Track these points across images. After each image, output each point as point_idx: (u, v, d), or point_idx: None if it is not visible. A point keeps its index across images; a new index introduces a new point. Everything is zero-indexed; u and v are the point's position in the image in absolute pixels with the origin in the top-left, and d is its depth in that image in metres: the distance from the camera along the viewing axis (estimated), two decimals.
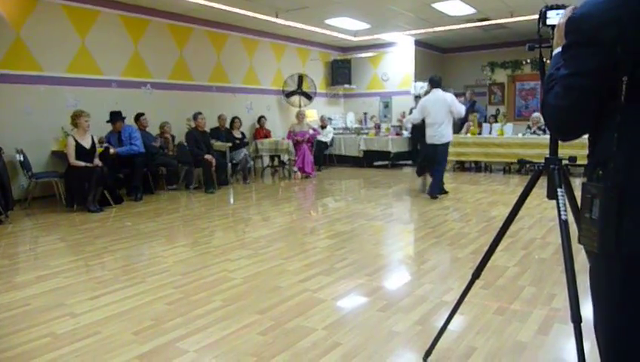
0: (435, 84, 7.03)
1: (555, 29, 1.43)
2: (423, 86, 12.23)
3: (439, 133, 6.83)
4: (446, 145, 6.97)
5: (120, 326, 2.82)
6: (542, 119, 10.02)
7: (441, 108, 6.82)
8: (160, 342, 2.60)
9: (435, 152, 6.97)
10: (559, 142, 1.94)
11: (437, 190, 7.00)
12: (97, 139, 6.96)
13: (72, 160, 6.46)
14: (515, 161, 9.20)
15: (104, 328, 2.79)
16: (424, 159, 7.60)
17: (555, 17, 1.75)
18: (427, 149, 7.24)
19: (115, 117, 7.52)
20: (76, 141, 6.51)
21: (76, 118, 6.57)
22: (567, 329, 2.60)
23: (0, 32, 6.96)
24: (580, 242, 1.29)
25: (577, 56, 1.22)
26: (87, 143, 6.61)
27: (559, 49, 1.36)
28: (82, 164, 6.45)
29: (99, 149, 6.88)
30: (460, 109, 6.99)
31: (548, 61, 1.86)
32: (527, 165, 9.56)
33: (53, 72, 7.59)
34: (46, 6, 7.45)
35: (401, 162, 11.75)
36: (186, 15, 9.43)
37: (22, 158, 6.76)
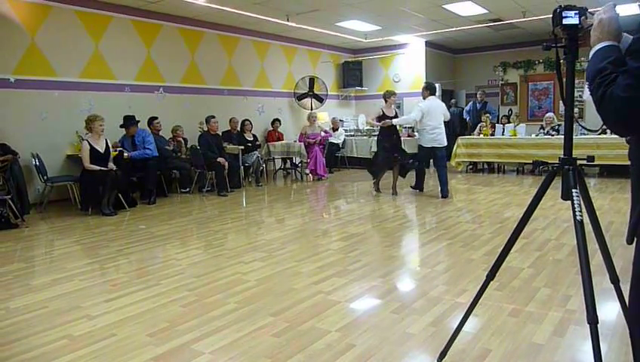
0: (433, 91, 7.59)
1: (596, 25, 1.43)
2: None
3: (440, 136, 7.38)
4: (445, 148, 7.56)
5: (135, 328, 2.85)
6: (555, 119, 10.00)
7: (440, 113, 7.43)
8: (175, 344, 2.62)
9: (434, 156, 7.52)
10: (574, 142, 1.93)
11: (446, 190, 7.41)
12: (111, 143, 7.04)
13: (87, 164, 6.54)
14: (530, 161, 9.12)
15: (120, 330, 2.82)
16: (384, 163, 7.93)
17: (573, 17, 1.74)
18: (390, 153, 7.72)
19: (129, 121, 7.58)
20: (91, 145, 6.58)
21: (90, 122, 6.65)
22: (583, 330, 2.57)
23: (15, 38, 7.09)
24: None
25: None
26: (101, 147, 6.68)
27: (605, 43, 1.38)
28: (97, 168, 6.52)
29: (113, 153, 6.95)
30: (448, 114, 7.70)
31: (562, 60, 1.85)
32: (541, 166, 9.47)
33: (67, 77, 7.70)
34: (60, 12, 7.56)
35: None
36: (197, 19, 9.50)
37: (37, 163, 6.85)
